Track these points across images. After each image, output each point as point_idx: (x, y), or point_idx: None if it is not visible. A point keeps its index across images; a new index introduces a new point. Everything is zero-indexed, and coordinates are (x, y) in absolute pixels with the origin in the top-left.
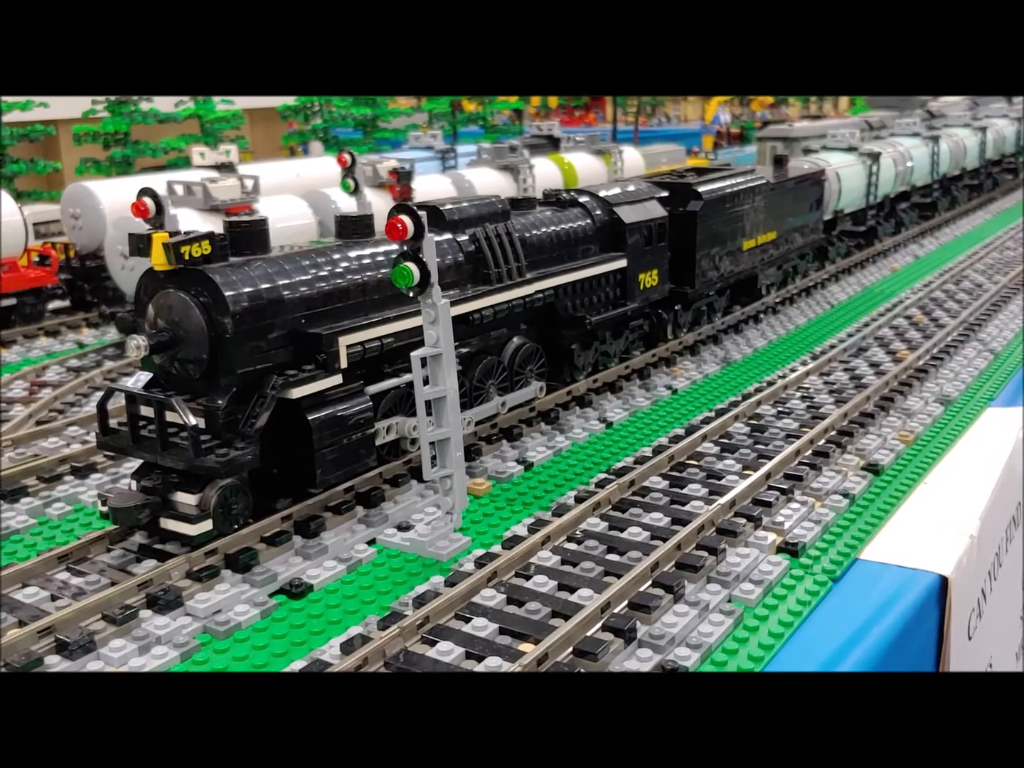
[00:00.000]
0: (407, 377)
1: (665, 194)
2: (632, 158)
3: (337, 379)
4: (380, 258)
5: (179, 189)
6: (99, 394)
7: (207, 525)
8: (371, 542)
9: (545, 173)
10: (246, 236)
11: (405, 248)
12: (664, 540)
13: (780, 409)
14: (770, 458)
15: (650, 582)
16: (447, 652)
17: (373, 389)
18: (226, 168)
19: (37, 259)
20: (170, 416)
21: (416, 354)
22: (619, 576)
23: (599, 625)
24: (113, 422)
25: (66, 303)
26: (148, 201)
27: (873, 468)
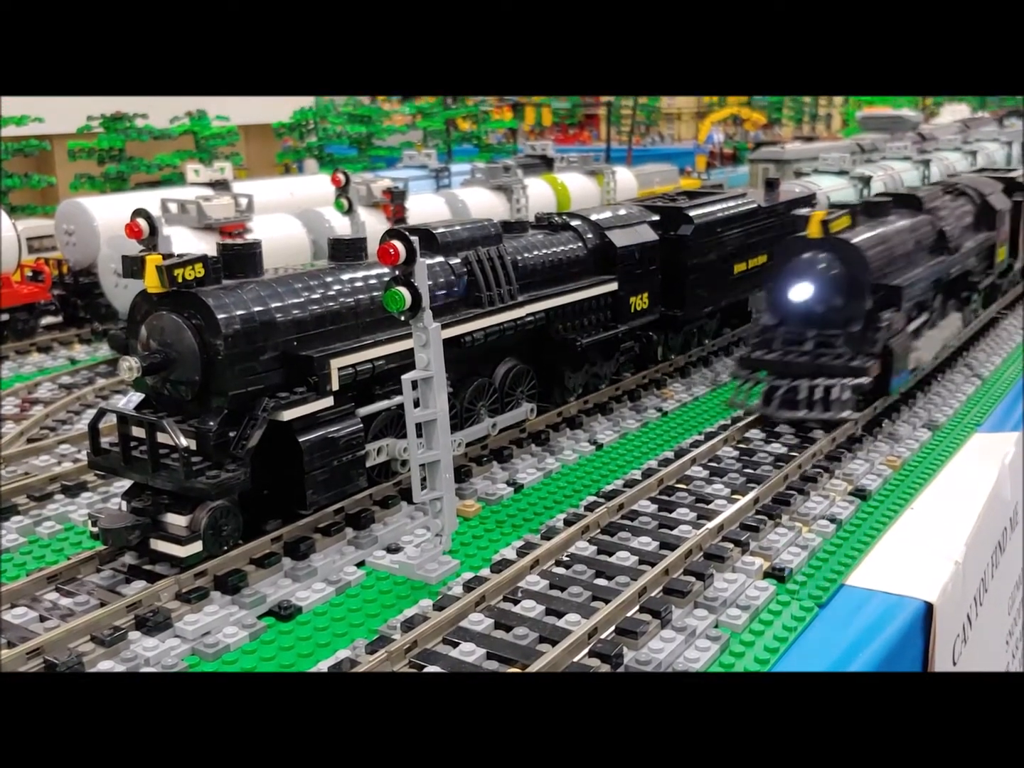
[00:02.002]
0: (398, 399)
1: (656, 218)
2: (625, 179)
3: (328, 401)
4: (372, 281)
5: (173, 207)
6: (91, 412)
7: (197, 546)
8: (360, 564)
9: (538, 193)
10: (239, 258)
11: (397, 272)
12: (652, 565)
13: (768, 433)
14: (758, 482)
15: (637, 607)
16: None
17: (364, 411)
18: (220, 185)
19: (30, 275)
20: (161, 437)
21: (407, 377)
22: (607, 601)
23: (586, 651)
24: (105, 442)
25: (59, 319)
26: (142, 222)
27: (860, 493)
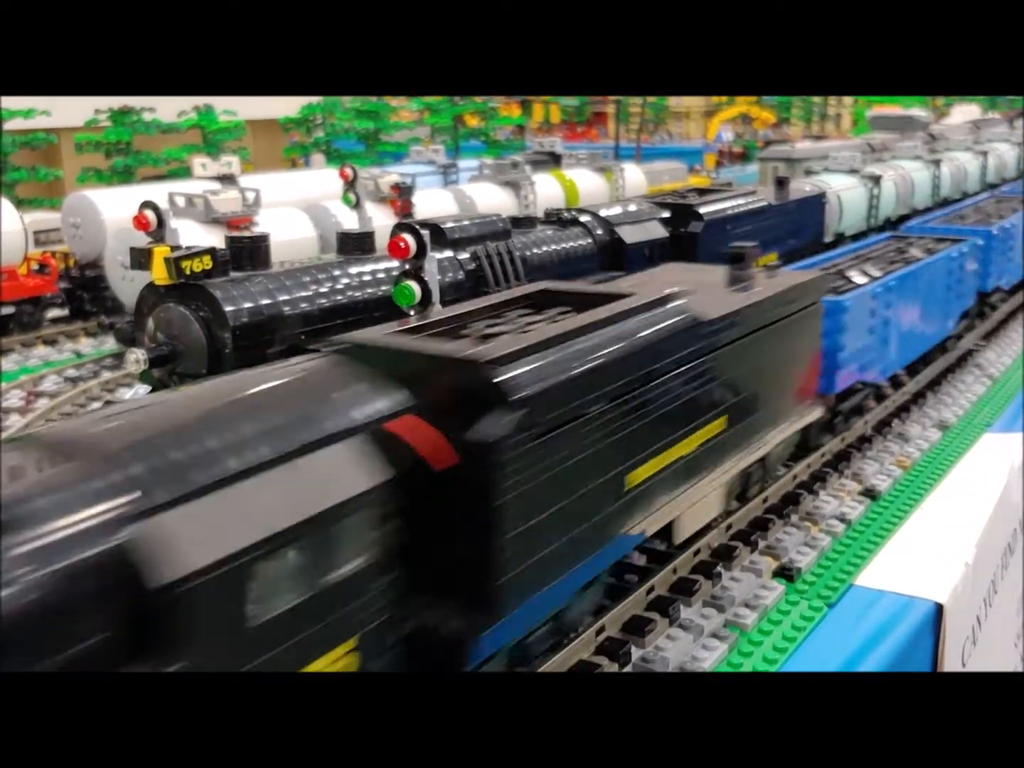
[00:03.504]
0: None
1: (666, 214)
2: (634, 176)
3: None
4: (380, 275)
5: (180, 201)
6: (96, 405)
7: None
8: None
9: (547, 190)
10: (247, 251)
11: (407, 266)
12: (660, 563)
13: None
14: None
15: (645, 605)
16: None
17: None
18: (227, 180)
19: (36, 267)
20: None
21: None
22: (615, 599)
23: (593, 648)
24: None
25: (65, 312)
26: (149, 214)
27: (870, 493)
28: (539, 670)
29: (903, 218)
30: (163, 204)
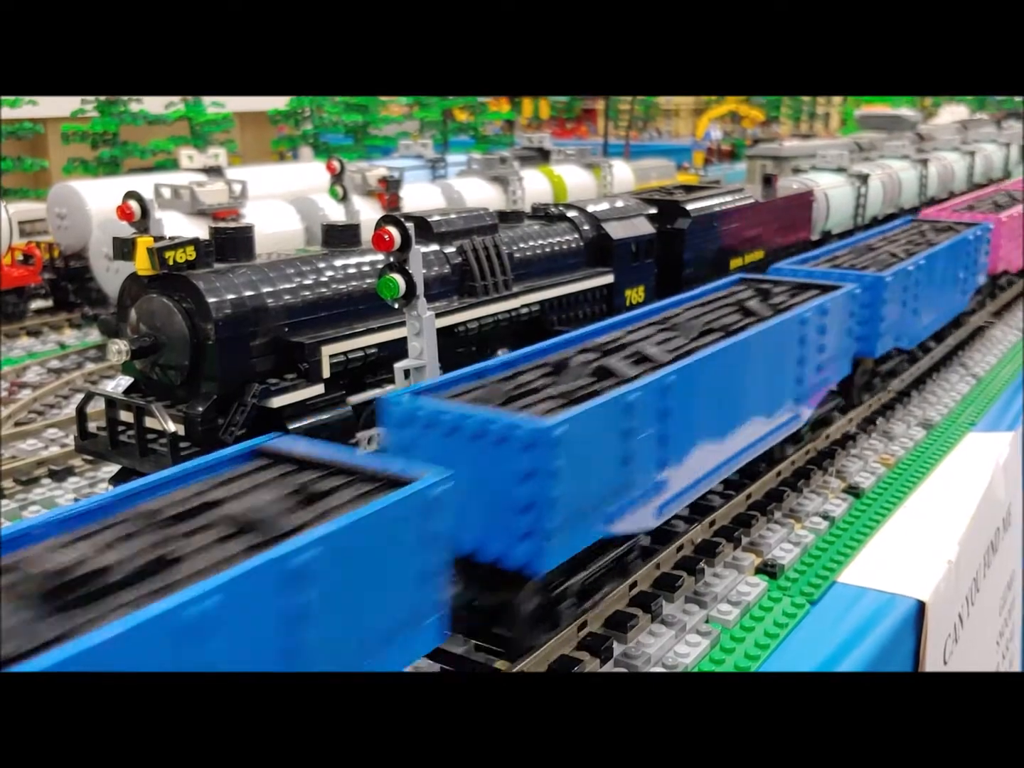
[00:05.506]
0: (390, 388)
1: (653, 211)
2: (622, 172)
3: (319, 389)
4: (366, 268)
5: (166, 192)
6: (79, 396)
7: None
8: None
9: (535, 185)
10: (231, 242)
11: (391, 259)
12: (643, 559)
13: None
14: (751, 478)
15: (627, 601)
16: (421, 667)
17: (355, 399)
18: (214, 172)
19: (21, 258)
20: (149, 422)
21: (399, 365)
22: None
23: (575, 643)
24: (92, 426)
25: (49, 303)
26: (133, 204)
27: (854, 491)
28: (522, 669)
29: (890, 217)
30: (149, 195)
